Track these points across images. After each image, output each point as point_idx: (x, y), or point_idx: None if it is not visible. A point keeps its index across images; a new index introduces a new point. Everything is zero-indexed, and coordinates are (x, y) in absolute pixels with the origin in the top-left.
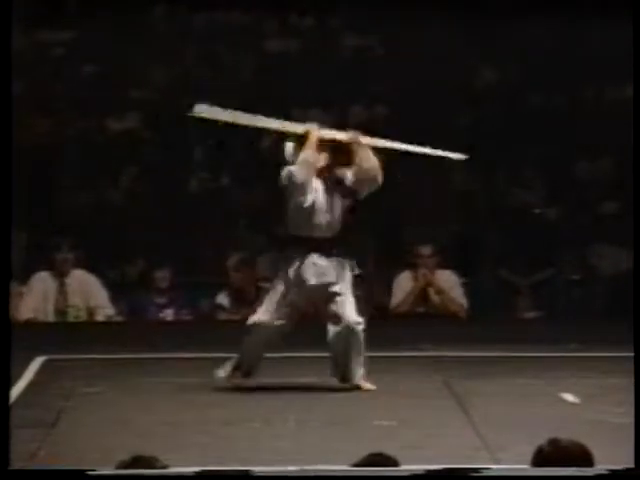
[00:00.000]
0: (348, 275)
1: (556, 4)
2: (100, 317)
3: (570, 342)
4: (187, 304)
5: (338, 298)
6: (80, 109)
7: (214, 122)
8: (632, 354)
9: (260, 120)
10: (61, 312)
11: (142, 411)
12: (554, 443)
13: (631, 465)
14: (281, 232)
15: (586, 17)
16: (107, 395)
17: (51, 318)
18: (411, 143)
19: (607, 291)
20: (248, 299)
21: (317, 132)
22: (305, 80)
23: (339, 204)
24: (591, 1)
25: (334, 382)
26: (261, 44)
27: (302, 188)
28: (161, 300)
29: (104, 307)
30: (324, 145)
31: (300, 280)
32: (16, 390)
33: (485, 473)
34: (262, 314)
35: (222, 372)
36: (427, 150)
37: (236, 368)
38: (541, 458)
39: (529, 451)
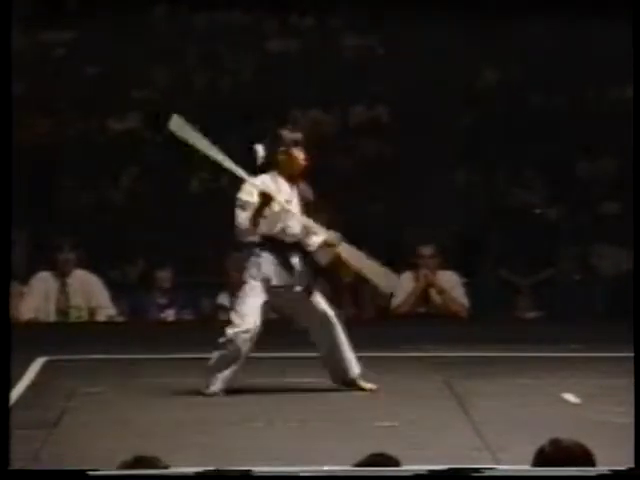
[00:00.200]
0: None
1: (556, 4)
2: (101, 317)
3: (570, 342)
4: (188, 304)
5: (310, 296)
6: (81, 109)
7: None
8: (632, 354)
9: (225, 160)
10: (63, 312)
11: (143, 411)
12: (555, 443)
13: (631, 465)
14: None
15: (586, 17)
16: (108, 395)
17: (52, 318)
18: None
19: (607, 291)
20: None
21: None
22: (305, 80)
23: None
24: (591, 1)
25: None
26: (261, 44)
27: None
28: (162, 300)
29: (105, 307)
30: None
31: (268, 282)
32: (17, 390)
33: (486, 473)
34: (242, 323)
35: (212, 388)
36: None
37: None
38: (542, 458)
39: (530, 451)
